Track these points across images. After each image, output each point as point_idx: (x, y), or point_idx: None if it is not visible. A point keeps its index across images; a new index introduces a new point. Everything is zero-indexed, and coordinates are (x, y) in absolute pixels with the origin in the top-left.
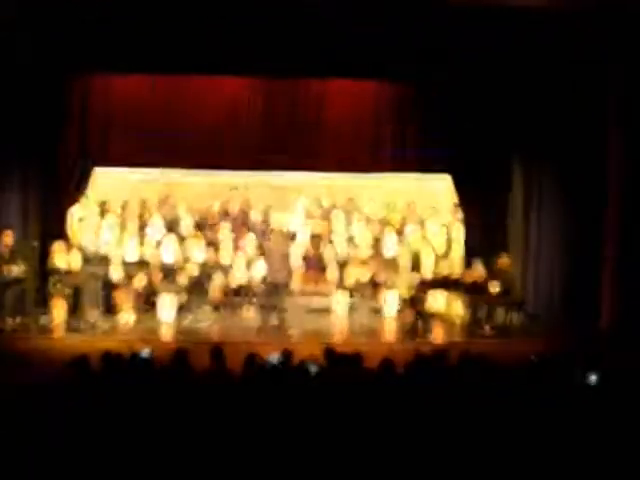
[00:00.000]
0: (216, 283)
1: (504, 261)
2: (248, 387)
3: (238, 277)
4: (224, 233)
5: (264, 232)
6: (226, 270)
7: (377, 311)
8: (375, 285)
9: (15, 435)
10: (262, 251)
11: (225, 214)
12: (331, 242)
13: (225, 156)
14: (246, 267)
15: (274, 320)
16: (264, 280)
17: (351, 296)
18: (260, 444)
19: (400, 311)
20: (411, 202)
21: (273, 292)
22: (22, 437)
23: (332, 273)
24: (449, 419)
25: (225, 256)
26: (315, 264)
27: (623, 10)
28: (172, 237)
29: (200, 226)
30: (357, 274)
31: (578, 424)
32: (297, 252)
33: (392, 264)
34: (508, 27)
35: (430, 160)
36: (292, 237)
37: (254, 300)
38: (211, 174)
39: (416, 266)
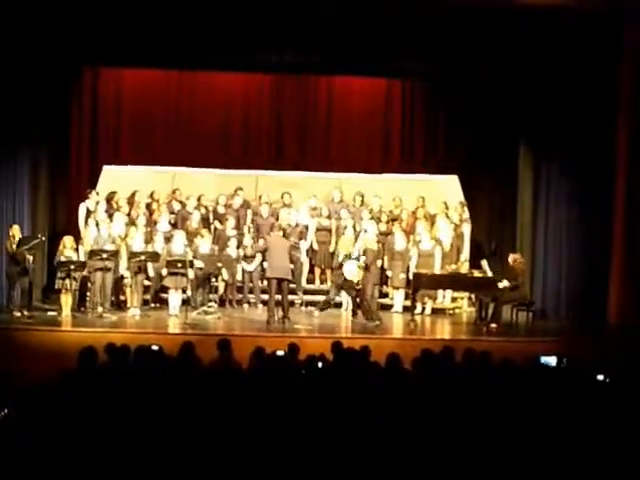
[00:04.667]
0: (223, 278)
1: (512, 258)
2: (255, 380)
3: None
4: (229, 228)
5: (272, 227)
6: (231, 265)
7: (386, 308)
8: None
9: (27, 430)
10: (265, 247)
11: (230, 208)
12: (339, 237)
13: (233, 155)
14: (247, 262)
15: (280, 315)
16: (264, 276)
17: (357, 292)
18: (266, 438)
19: (408, 308)
20: (421, 198)
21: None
22: (32, 432)
23: (339, 269)
24: (453, 417)
25: (230, 251)
26: (323, 260)
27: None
28: (181, 232)
29: (207, 220)
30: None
31: (587, 423)
32: (304, 248)
33: (400, 260)
34: (517, 26)
35: (439, 160)
36: (300, 233)
37: (259, 296)
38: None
39: (425, 263)
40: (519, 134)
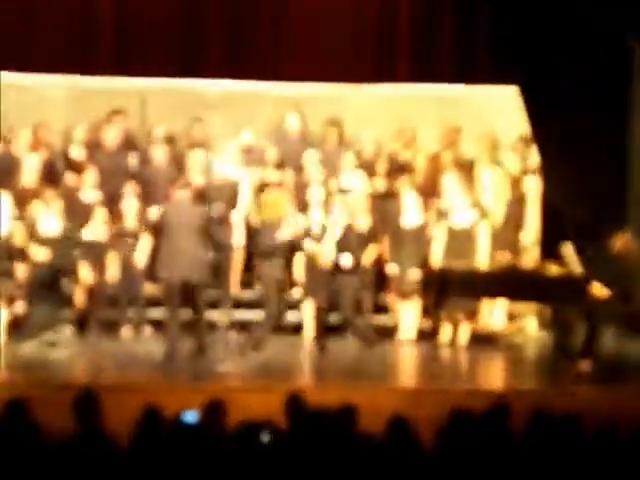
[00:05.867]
0: (83, 279)
1: (619, 243)
2: (142, 467)
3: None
4: (89, 185)
5: (172, 185)
6: (99, 255)
7: (387, 333)
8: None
9: None
10: (160, 221)
11: (94, 150)
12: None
13: (101, 55)
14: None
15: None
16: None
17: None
18: None
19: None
20: (450, 131)
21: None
22: None
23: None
24: None
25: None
26: None
27: None
28: (3, 194)
29: (52, 172)
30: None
31: None
32: (237, 223)
33: (412, 244)
34: None
35: (482, 61)
36: (230, 196)
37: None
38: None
39: (459, 250)
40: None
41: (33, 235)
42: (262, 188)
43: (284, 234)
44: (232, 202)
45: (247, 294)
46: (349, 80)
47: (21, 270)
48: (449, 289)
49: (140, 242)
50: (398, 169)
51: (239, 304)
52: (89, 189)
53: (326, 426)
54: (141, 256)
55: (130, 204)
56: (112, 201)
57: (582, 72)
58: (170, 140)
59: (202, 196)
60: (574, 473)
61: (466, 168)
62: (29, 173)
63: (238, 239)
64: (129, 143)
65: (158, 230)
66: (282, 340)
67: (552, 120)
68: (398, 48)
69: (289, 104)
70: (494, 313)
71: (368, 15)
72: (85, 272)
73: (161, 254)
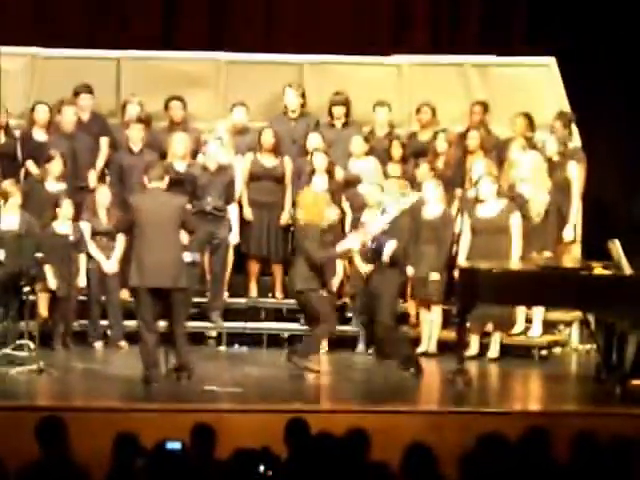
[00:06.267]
0: (48, 285)
1: None
2: None
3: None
4: (54, 174)
5: (147, 172)
6: (65, 256)
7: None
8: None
9: None
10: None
11: (57, 133)
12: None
13: (65, 24)
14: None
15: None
16: None
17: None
18: None
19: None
20: (477, 106)
21: None
22: None
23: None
24: None
25: (60, 227)
26: (265, 244)
27: None
28: None
29: (9, 158)
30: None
31: None
32: (233, 217)
33: (432, 242)
34: None
35: (513, 29)
36: (227, 186)
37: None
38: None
39: (488, 246)
40: None
41: None
42: (256, 177)
43: (350, 243)
44: (226, 193)
45: (237, 301)
46: (358, 51)
47: None
48: (477, 293)
49: (116, 241)
50: (416, 153)
51: (229, 313)
52: (53, 180)
53: (333, 454)
54: (114, 259)
55: (102, 196)
56: (79, 193)
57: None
58: (147, 120)
59: (179, 185)
60: None
61: (496, 151)
62: None
63: (234, 236)
64: (96, 122)
65: (130, 227)
66: (281, 353)
67: (596, 98)
68: (416, 14)
69: (290, 75)
70: (531, 322)
71: None
72: (50, 276)
73: (132, 256)
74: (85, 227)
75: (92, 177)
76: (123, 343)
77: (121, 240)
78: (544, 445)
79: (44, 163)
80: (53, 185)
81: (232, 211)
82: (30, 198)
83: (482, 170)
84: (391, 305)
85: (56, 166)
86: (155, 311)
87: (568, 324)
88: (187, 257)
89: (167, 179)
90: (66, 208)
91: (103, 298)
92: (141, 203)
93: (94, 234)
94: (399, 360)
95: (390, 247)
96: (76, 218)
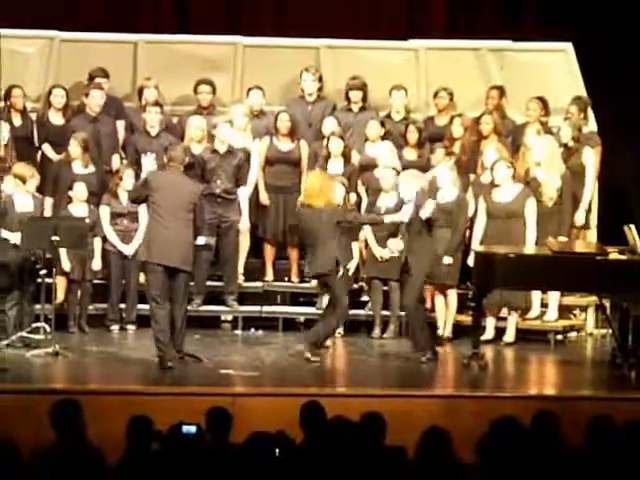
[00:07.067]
0: (63, 268)
1: None
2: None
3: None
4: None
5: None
6: (80, 239)
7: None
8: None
9: None
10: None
11: (77, 117)
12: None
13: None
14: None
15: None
16: None
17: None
18: None
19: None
20: (494, 91)
21: None
22: None
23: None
24: None
25: (76, 209)
26: (280, 227)
27: None
28: None
29: (27, 140)
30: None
31: None
32: (243, 200)
33: (447, 225)
34: None
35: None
36: (237, 168)
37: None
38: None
39: (503, 231)
40: None
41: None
42: (272, 161)
43: (401, 216)
44: (236, 176)
45: (254, 284)
46: (376, 36)
47: None
48: (493, 278)
49: (138, 223)
50: (432, 138)
51: (243, 297)
52: (73, 163)
53: (348, 439)
54: (136, 242)
55: (128, 178)
56: (99, 176)
57: None
58: (157, 103)
59: (194, 169)
60: None
61: (512, 136)
62: None
63: (244, 222)
64: (113, 104)
65: (140, 199)
66: (296, 337)
67: (612, 82)
68: None
69: (305, 58)
70: (547, 306)
71: None
72: (64, 259)
73: (146, 235)
74: (104, 211)
75: (116, 160)
76: (131, 327)
77: (143, 224)
78: (553, 429)
79: (62, 146)
80: (75, 167)
81: (242, 194)
82: (58, 181)
83: (493, 155)
84: (419, 288)
85: (75, 149)
86: (165, 289)
87: (584, 309)
88: (200, 240)
89: (186, 161)
90: (81, 191)
91: (123, 282)
92: (159, 182)
93: (115, 216)
94: (415, 343)
95: (430, 206)
96: (98, 201)
